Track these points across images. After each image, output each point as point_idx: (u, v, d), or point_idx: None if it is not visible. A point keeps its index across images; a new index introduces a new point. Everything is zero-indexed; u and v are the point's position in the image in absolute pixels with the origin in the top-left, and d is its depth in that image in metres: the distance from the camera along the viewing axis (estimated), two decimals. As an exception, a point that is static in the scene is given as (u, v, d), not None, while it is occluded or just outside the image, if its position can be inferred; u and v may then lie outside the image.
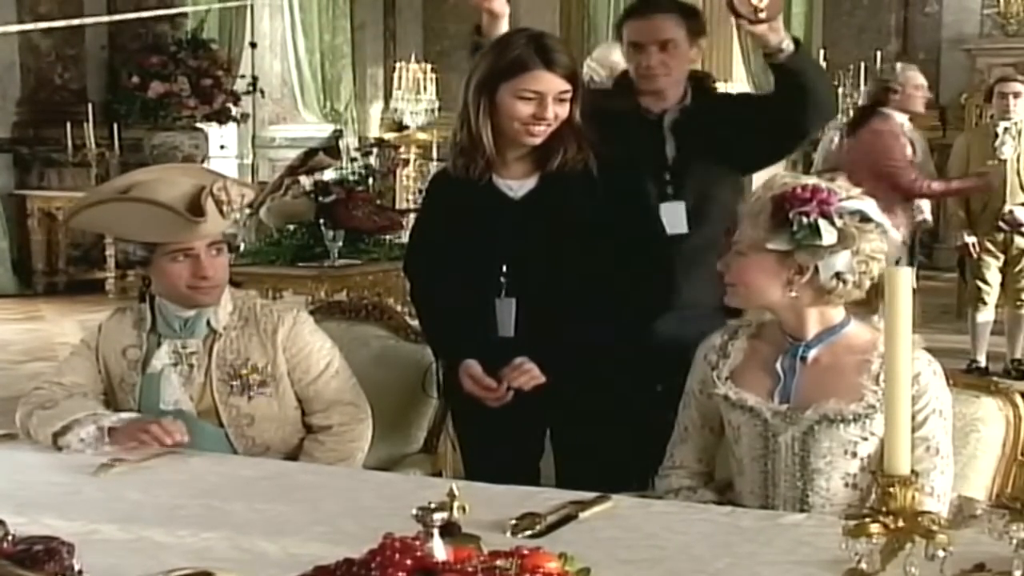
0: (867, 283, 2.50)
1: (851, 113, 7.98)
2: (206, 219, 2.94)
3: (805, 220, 2.45)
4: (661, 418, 2.89)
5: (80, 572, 1.87)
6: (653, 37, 3.42)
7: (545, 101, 3.04)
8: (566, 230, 3.09)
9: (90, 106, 11.14)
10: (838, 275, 2.49)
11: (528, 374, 3.02)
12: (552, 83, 3.04)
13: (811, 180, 2.51)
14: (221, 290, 3.08)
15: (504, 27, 3.32)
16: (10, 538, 1.91)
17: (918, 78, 6.86)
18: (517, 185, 3.15)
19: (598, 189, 3.11)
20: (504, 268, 3.09)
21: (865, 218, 2.49)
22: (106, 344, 3.15)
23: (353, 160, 7.58)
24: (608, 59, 6.83)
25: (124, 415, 2.96)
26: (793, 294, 2.53)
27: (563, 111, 3.07)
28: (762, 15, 3.02)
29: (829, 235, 2.45)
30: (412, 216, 5.42)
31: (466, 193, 3.16)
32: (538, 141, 3.09)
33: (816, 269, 2.49)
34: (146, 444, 2.84)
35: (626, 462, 3.04)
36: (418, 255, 3.36)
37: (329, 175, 7.07)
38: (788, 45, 3.16)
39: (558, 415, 3.16)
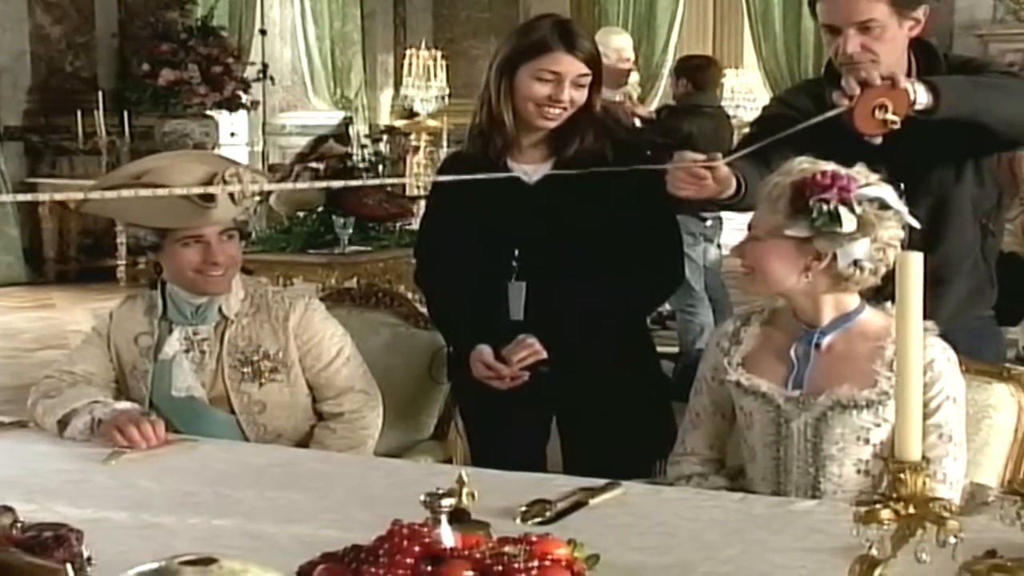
0: (883, 270, 2.49)
1: None
2: (216, 205, 2.94)
3: (825, 207, 2.43)
4: (671, 405, 2.87)
5: (89, 559, 1.87)
6: (849, 18, 2.79)
7: (562, 83, 3.02)
8: (578, 216, 3.08)
9: (100, 94, 11.15)
10: (856, 262, 2.47)
11: (530, 349, 3.01)
12: (571, 65, 3.02)
13: (830, 166, 2.48)
14: (230, 277, 3.07)
15: None
16: (19, 525, 1.92)
17: None
18: (532, 170, 3.14)
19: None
20: (516, 252, 3.08)
21: (884, 205, 2.47)
22: (117, 332, 3.15)
23: (363, 147, 7.58)
24: (610, 44, 6.83)
25: (119, 406, 2.93)
26: (809, 281, 2.52)
27: (580, 96, 3.05)
28: (894, 126, 2.59)
29: (849, 222, 2.43)
30: (422, 203, 5.42)
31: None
32: (552, 125, 3.07)
33: (834, 256, 2.47)
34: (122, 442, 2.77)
35: (635, 448, 3.03)
36: (429, 238, 3.35)
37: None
38: (924, 100, 2.62)
39: (566, 400, 3.15)
